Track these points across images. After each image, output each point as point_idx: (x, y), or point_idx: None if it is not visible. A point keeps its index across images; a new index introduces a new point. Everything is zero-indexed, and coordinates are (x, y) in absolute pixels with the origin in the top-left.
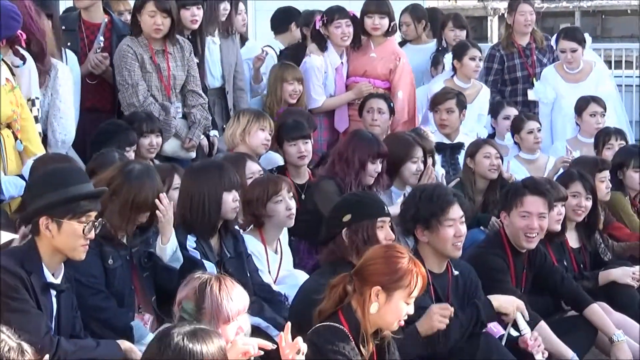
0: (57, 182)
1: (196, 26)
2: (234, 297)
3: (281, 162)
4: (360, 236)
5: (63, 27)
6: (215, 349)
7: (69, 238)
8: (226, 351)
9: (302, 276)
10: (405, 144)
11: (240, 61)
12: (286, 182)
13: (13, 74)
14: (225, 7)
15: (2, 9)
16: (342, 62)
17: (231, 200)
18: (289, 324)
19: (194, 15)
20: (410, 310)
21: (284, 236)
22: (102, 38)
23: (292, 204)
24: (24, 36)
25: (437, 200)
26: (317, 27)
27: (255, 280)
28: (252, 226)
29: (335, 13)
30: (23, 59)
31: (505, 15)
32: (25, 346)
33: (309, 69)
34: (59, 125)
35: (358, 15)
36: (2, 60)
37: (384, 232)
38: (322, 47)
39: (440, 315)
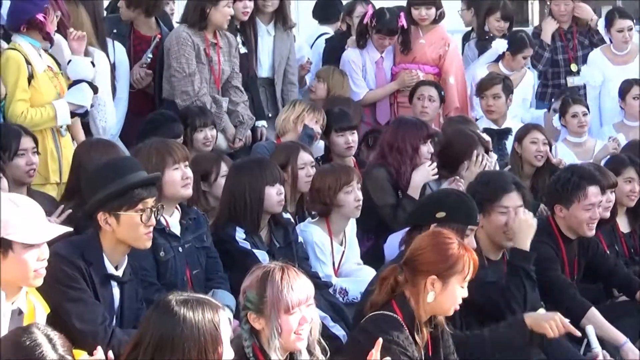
0: (109, 175)
1: (246, 18)
2: (296, 287)
3: (322, 152)
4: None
5: (114, 31)
6: (204, 319)
7: (129, 229)
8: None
9: (371, 273)
10: (467, 141)
11: (293, 55)
12: (356, 173)
13: (57, 62)
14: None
15: None
16: (381, 57)
17: (275, 194)
18: (380, 340)
19: (245, 7)
20: (465, 293)
21: (352, 228)
22: (150, 55)
23: (360, 195)
24: (46, 18)
25: (493, 186)
26: (365, 22)
27: (304, 269)
28: (318, 217)
29: (386, 24)
30: (50, 41)
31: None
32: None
33: (347, 63)
34: (99, 112)
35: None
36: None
37: (468, 240)
38: (361, 45)
39: (556, 326)
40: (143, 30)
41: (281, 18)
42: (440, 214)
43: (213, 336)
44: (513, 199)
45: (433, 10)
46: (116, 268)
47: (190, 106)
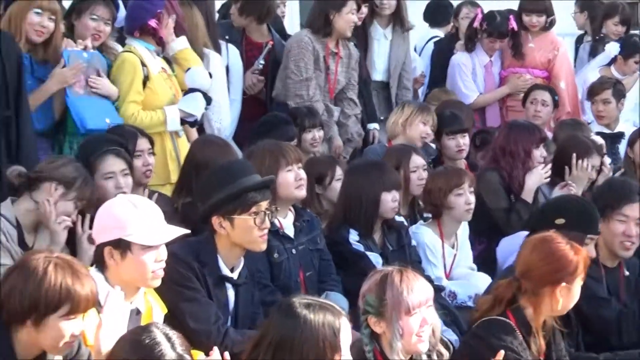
0: (222, 179)
1: (359, 22)
2: (415, 289)
3: (433, 154)
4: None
5: (227, 37)
6: (325, 324)
7: (243, 232)
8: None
9: (484, 279)
10: (580, 146)
11: (409, 60)
12: (469, 176)
13: (170, 64)
14: (385, 3)
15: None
16: (490, 60)
17: (390, 200)
18: (502, 351)
19: (361, 12)
20: (579, 290)
21: (464, 232)
22: (262, 61)
23: (472, 198)
24: (158, 24)
25: (617, 193)
26: (475, 25)
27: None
28: (430, 219)
29: (497, 27)
30: (163, 46)
31: None
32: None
33: (456, 66)
34: (213, 114)
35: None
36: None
37: (588, 250)
38: (470, 48)
39: None
40: (255, 37)
41: (399, 21)
42: (560, 221)
43: (332, 341)
44: (634, 210)
45: (544, 17)
46: (231, 270)
47: (299, 107)
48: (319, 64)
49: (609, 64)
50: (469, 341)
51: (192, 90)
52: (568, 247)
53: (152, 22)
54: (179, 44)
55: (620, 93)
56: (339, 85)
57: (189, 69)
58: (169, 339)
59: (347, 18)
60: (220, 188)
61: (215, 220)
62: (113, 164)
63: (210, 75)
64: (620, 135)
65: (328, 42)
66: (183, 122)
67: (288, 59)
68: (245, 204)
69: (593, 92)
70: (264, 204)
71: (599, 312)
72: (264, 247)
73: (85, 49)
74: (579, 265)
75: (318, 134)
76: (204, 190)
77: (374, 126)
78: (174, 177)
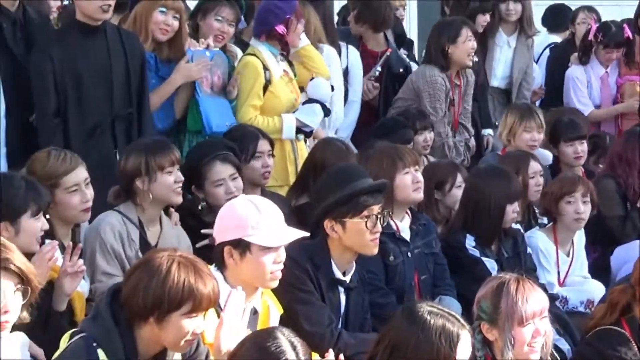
0: (335, 183)
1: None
2: (531, 300)
3: (550, 161)
4: None
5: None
6: (443, 334)
7: (355, 236)
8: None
9: (597, 287)
10: None
11: (531, 70)
12: (584, 185)
13: (291, 65)
14: (511, 8)
15: (265, 3)
16: (606, 72)
17: (512, 211)
18: None
19: (485, 20)
20: None
21: (580, 240)
22: (379, 68)
23: (584, 208)
24: (285, 30)
25: None
26: (590, 38)
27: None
28: (545, 225)
29: (613, 37)
30: (288, 51)
31: None
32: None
33: (571, 80)
34: (331, 110)
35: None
36: (280, 54)
37: None
38: (584, 61)
39: None
40: (371, 45)
41: (524, 27)
42: None
43: (447, 353)
44: None
45: None
46: (344, 274)
47: (410, 108)
48: (447, 99)
49: None
50: (583, 351)
51: (312, 100)
52: None
53: (280, 28)
54: (303, 41)
55: None
56: (461, 115)
57: (312, 78)
58: (293, 347)
59: (464, 47)
60: (332, 191)
61: (328, 224)
62: (221, 170)
63: (333, 88)
64: None
65: (451, 75)
66: (299, 130)
67: (421, 98)
68: (357, 207)
69: None
70: (375, 208)
71: None
72: (375, 250)
73: (207, 47)
74: None
75: (429, 135)
76: (317, 193)
77: (488, 132)
78: (292, 179)
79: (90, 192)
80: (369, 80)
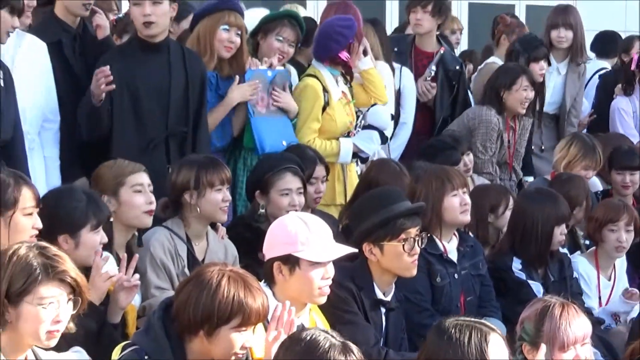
0: (372, 206)
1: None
2: (574, 325)
3: (600, 187)
4: None
5: (395, 49)
6: (471, 342)
7: (393, 259)
8: None
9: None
10: None
11: (580, 97)
12: (629, 213)
13: (350, 87)
14: (562, 35)
15: (325, 28)
16: None
17: (559, 234)
18: None
19: (541, 68)
20: None
21: (622, 265)
22: (433, 67)
23: (625, 237)
24: (348, 56)
25: None
26: (633, 68)
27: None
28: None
29: None
30: (351, 75)
31: None
32: (351, 345)
33: (616, 110)
34: (388, 138)
35: None
36: (341, 74)
37: None
38: (628, 91)
39: None
40: (424, 47)
41: (576, 55)
42: None
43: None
44: None
45: None
46: (384, 294)
47: (454, 131)
48: (501, 139)
49: None
50: None
51: (370, 126)
52: None
53: (343, 55)
54: (365, 64)
55: None
56: (515, 156)
57: (373, 104)
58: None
59: (518, 96)
60: (369, 215)
61: (366, 247)
62: (290, 181)
63: (392, 117)
64: None
65: (507, 118)
66: (354, 155)
67: (474, 135)
68: (394, 230)
69: None
70: (413, 231)
71: None
72: (414, 272)
73: (270, 66)
74: None
75: (468, 158)
76: (356, 217)
77: (529, 179)
78: (340, 199)
79: (153, 198)
80: (425, 82)
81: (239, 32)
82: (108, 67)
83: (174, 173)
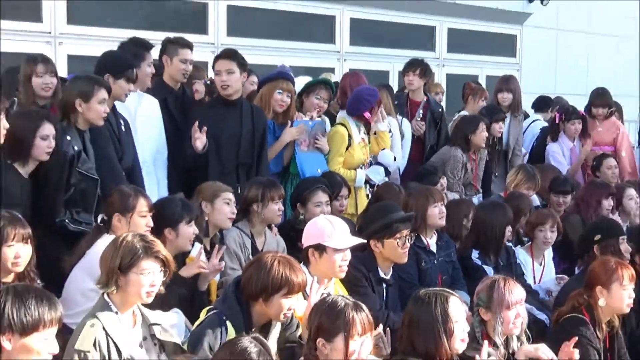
0: (378, 215)
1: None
2: (514, 292)
3: (538, 203)
4: (609, 250)
5: (396, 102)
6: (439, 307)
7: (391, 251)
8: None
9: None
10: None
11: (521, 138)
12: (553, 218)
13: (368, 134)
14: (505, 97)
15: (357, 94)
16: (574, 145)
17: (508, 232)
18: (576, 338)
19: (500, 127)
20: (632, 294)
21: (549, 254)
22: (421, 111)
23: (550, 235)
24: (369, 116)
25: None
26: (557, 122)
27: (520, 282)
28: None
29: (572, 114)
30: (368, 129)
31: None
32: (361, 304)
33: (550, 153)
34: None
35: None
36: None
37: (624, 247)
38: (554, 139)
39: None
40: (414, 97)
41: (513, 110)
42: (597, 237)
43: (443, 314)
44: None
45: (607, 109)
46: (385, 275)
47: (434, 162)
48: (466, 168)
49: None
50: (557, 329)
51: (379, 163)
52: (613, 261)
53: (367, 115)
54: (382, 126)
55: None
56: (477, 178)
57: (384, 148)
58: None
59: (481, 136)
60: (375, 221)
61: (372, 242)
62: (322, 196)
63: (395, 159)
64: None
65: (470, 153)
66: (366, 182)
67: (446, 166)
68: (391, 232)
69: None
70: (405, 232)
71: None
72: (405, 260)
73: (311, 119)
74: (615, 271)
75: (443, 181)
76: (365, 222)
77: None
78: (351, 210)
79: (235, 210)
80: (416, 122)
81: (289, 95)
82: (198, 127)
83: (246, 189)
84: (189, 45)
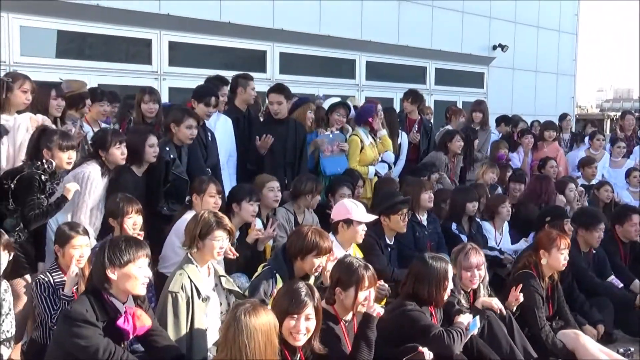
0: (385, 198)
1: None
2: (472, 257)
3: (500, 191)
4: (556, 229)
5: (398, 119)
6: (440, 266)
7: (395, 223)
8: None
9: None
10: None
11: (485, 146)
12: (507, 200)
13: (374, 139)
14: (479, 115)
15: (362, 108)
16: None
17: (471, 207)
18: (520, 285)
19: (460, 143)
20: (567, 257)
21: (506, 227)
22: (416, 126)
23: (507, 209)
24: (374, 122)
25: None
26: (515, 139)
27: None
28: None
29: (524, 133)
30: (373, 131)
31: None
32: (369, 265)
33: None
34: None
35: None
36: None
37: (567, 227)
38: (512, 150)
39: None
40: (411, 116)
41: (484, 125)
42: (548, 218)
43: (444, 275)
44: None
45: (555, 132)
46: (390, 241)
47: (426, 162)
48: (447, 168)
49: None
50: (512, 280)
51: (384, 161)
52: (555, 232)
53: (371, 119)
54: (382, 133)
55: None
56: (454, 174)
57: (387, 151)
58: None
59: (456, 144)
60: (383, 202)
61: (382, 217)
62: (346, 190)
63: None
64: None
65: (450, 156)
66: (376, 174)
67: (434, 165)
68: (395, 210)
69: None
70: (405, 210)
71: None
72: (404, 230)
73: (332, 132)
74: (555, 239)
75: (433, 176)
76: (376, 202)
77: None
78: (368, 194)
79: (280, 195)
80: (413, 134)
81: (313, 112)
82: (271, 138)
83: (301, 183)
84: (252, 79)
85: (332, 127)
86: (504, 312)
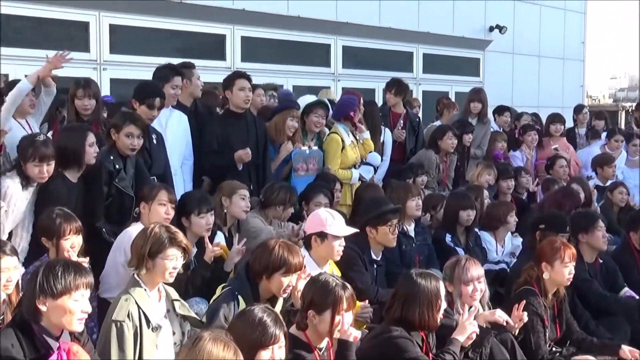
0: (372, 206)
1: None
2: (472, 270)
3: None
4: (549, 236)
5: (381, 114)
6: (430, 284)
7: (382, 236)
8: None
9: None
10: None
11: (485, 139)
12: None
13: (356, 139)
14: (477, 106)
15: (341, 100)
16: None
17: (466, 216)
18: (524, 301)
19: (453, 143)
20: (572, 270)
21: (509, 237)
22: (402, 122)
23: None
24: (356, 117)
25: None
26: (517, 137)
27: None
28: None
29: (527, 129)
30: (357, 129)
31: None
32: (347, 285)
33: (512, 157)
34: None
35: None
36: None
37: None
38: (514, 148)
39: None
40: (396, 109)
41: (482, 117)
42: (542, 226)
43: (436, 293)
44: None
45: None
46: (376, 257)
47: (413, 163)
48: (438, 169)
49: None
50: (512, 299)
51: (368, 163)
52: (559, 241)
53: (351, 113)
54: (365, 135)
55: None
56: (446, 177)
57: (371, 151)
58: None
59: (448, 142)
60: (370, 211)
61: (368, 229)
62: (322, 198)
63: (381, 159)
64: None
65: (441, 155)
66: (360, 179)
67: (422, 166)
68: (384, 220)
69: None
70: (394, 221)
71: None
72: (394, 244)
73: (309, 147)
74: (559, 250)
75: (420, 179)
76: (362, 212)
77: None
78: (349, 201)
79: (250, 204)
80: (398, 130)
81: (297, 120)
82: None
83: (275, 192)
84: (194, 67)
85: (310, 142)
86: (512, 323)
